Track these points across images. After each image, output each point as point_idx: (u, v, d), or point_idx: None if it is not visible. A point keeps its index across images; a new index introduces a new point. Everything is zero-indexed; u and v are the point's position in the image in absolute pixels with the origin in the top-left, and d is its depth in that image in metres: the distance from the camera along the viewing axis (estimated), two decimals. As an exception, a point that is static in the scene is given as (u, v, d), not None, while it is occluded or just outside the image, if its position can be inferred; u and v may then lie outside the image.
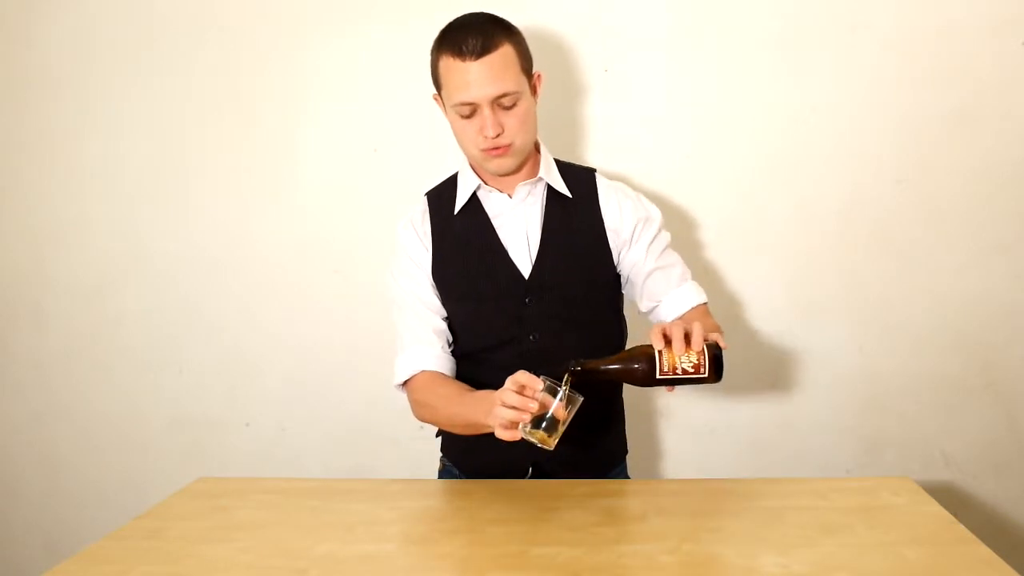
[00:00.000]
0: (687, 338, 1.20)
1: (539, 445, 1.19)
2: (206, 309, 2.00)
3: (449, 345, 1.49)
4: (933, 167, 1.83)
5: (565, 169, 1.52)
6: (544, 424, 1.18)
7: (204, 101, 1.96)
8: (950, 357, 1.87)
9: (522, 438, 1.19)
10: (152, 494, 1.52)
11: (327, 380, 1.99)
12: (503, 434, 1.21)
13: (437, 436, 1.60)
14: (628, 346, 1.57)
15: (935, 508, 1.25)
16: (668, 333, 1.21)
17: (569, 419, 1.20)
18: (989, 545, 1.11)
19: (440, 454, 1.61)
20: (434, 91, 1.46)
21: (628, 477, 1.60)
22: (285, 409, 2.01)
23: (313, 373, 1.99)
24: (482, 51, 1.33)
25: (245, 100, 1.95)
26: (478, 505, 1.32)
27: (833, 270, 1.86)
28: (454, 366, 1.49)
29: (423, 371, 1.45)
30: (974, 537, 1.14)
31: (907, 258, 1.85)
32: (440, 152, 1.89)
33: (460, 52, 1.33)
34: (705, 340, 1.21)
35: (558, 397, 1.18)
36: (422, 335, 1.47)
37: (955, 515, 1.22)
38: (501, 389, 1.21)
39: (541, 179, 1.47)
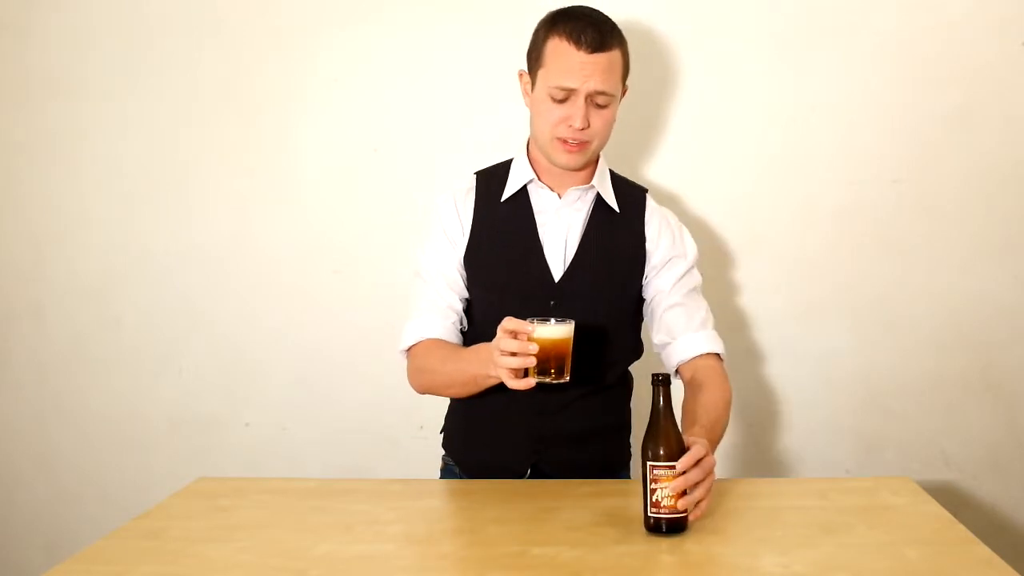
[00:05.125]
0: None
1: (555, 382, 1.21)
2: (206, 309, 2.00)
3: (461, 324, 1.48)
4: (932, 167, 1.83)
5: (618, 183, 1.52)
6: (551, 361, 1.20)
7: (204, 101, 1.96)
8: (950, 357, 1.87)
9: (537, 383, 1.20)
10: (152, 494, 1.52)
11: (327, 380, 1.98)
12: (516, 383, 1.20)
13: (440, 433, 1.60)
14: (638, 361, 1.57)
15: (935, 508, 1.26)
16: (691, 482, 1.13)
17: (571, 345, 1.22)
18: (989, 545, 1.11)
19: (442, 451, 1.61)
20: (521, 68, 1.46)
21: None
22: (285, 409, 2.01)
23: (313, 373, 1.98)
24: (599, 47, 1.35)
25: (245, 100, 1.95)
26: (478, 505, 1.32)
27: (832, 270, 1.86)
28: (460, 343, 1.48)
29: (427, 338, 1.45)
30: (974, 537, 1.14)
31: (907, 258, 1.85)
32: (440, 152, 1.89)
33: (577, 40, 1.34)
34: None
35: (553, 328, 1.21)
36: (436, 307, 1.46)
37: (955, 515, 1.22)
38: (495, 339, 1.22)
39: (593, 187, 1.47)
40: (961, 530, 1.17)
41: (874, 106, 1.82)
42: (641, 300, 1.52)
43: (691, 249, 1.52)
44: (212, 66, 1.95)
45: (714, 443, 1.27)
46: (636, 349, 1.56)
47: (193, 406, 2.03)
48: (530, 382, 1.20)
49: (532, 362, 1.19)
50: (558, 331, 1.21)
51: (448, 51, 1.89)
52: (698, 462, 1.13)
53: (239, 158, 1.96)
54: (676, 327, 1.46)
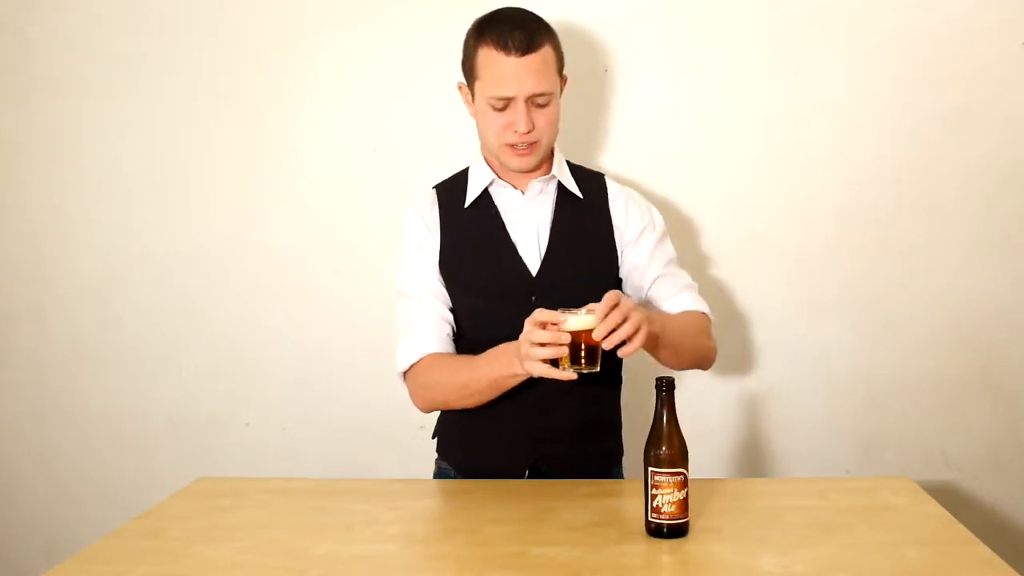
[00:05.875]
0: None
1: (586, 372, 1.22)
2: (206, 309, 2.00)
3: (454, 334, 1.48)
4: (933, 167, 1.83)
5: (576, 170, 1.53)
6: (583, 351, 1.20)
7: (204, 101, 1.96)
8: (950, 357, 1.87)
9: (573, 372, 1.21)
10: (152, 494, 1.52)
11: (327, 380, 1.98)
12: (554, 374, 1.21)
13: (433, 437, 1.59)
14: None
15: (935, 508, 1.26)
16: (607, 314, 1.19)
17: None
18: (989, 545, 1.11)
19: (436, 455, 1.61)
20: (460, 81, 1.46)
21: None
22: (285, 409, 2.01)
23: (313, 373, 1.98)
24: (527, 48, 1.34)
25: (245, 100, 1.95)
26: (478, 505, 1.32)
27: (833, 270, 1.86)
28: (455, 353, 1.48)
29: (426, 355, 1.43)
30: (974, 537, 1.14)
31: (907, 258, 1.85)
32: (440, 152, 1.89)
33: (505, 46, 1.34)
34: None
35: (584, 318, 1.20)
36: (426, 322, 1.45)
37: (955, 515, 1.22)
38: (524, 332, 1.22)
39: (554, 177, 1.48)
40: (961, 530, 1.17)
41: (874, 106, 1.82)
42: (619, 282, 1.52)
43: (659, 220, 1.53)
44: (212, 66, 1.95)
45: (666, 332, 1.32)
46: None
47: (193, 406, 2.03)
48: (571, 373, 1.21)
49: (564, 352, 1.20)
50: (589, 321, 1.20)
51: (448, 51, 1.88)
52: (615, 307, 1.18)
53: (239, 158, 1.96)
54: (662, 295, 1.47)
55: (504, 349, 1.31)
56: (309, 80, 1.93)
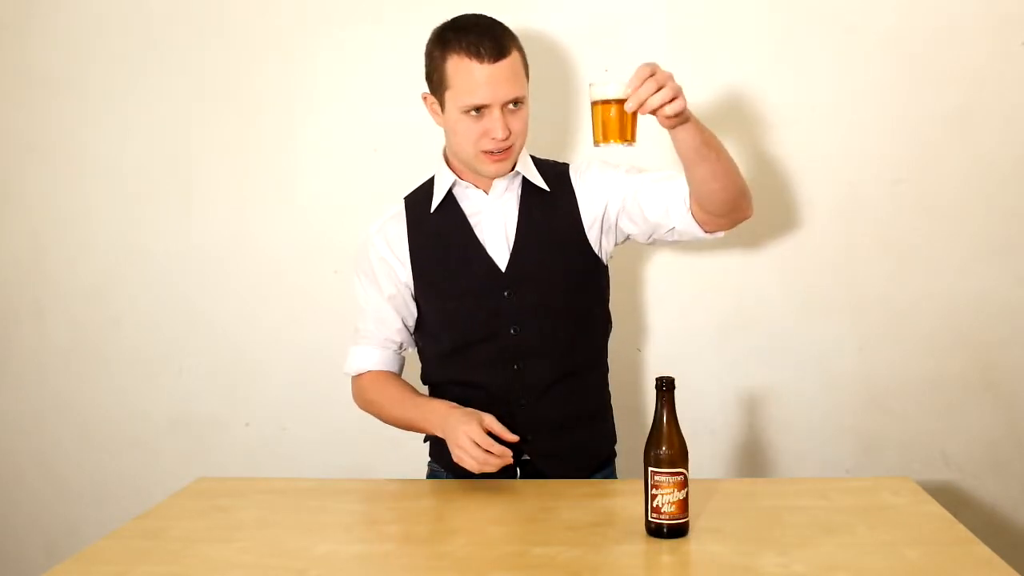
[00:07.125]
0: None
1: (622, 144, 1.21)
2: (206, 309, 2.00)
3: (402, 348, 1.55)
4: (932, 167, 1.83)
5: (541, 164, 1.52)
6: (617, 122, 1.19)
7: (204, 101, 1.96)
8: (950, 357, 1.87)
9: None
10: (152, 494, 1.52)
11: (327, 380, 1.98)
12: (475, 470, 1.31)
13: (425, 441, 1.60)
14: (610, 340, 1.59)
15: (935, 508, 1.26)
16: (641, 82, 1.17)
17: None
18: (989, 545, 1.11)
19: (428, 459, 1.60)
20: (423, 92, 1.45)
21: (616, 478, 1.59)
22: (285, 409, 2.01)
23: (313, 373, 1.98)
24: (499, 55, 1.34)
25: (245, 100, 1.95)
26: (478, 505, 1.33)
27: (833, 270, 1.86)
28: (403, 364, 1.57)
29: (371, 371, 1.53)
30: (974, 537, 1.14)
31: (907, 258, 1.85)
32: (440, 152, 1.89)
33: (478, 54, 1.33)
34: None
35: (615, 86, 1.17)
36: (375, 339, 1.53)
37: (955, 515, 1.22)
38: (465, 431, 1.30)
39: (518, 173, 1.47)
40: (961, 530, 1.17)
41: (874, 106, 1.82)
42: (598, 268, 1.51)
43: (612, 161, 1.51)
44: (212, 66, 1.95)
45: (703, 127, 1.29)
46: (605, 322, 1.56)
47: (193, 406, 2.03)
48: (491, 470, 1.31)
49: (492, 469, 1.30)
50: (620, 90, 1.16)
51: (448, 51, 1.88)
52: (651, 76, 1.17)
53: (239, 158, 1.96)
54: (650, 178, 1.44)
55: (441, 413, 1.38)
56: (309, 80, 1.93)
